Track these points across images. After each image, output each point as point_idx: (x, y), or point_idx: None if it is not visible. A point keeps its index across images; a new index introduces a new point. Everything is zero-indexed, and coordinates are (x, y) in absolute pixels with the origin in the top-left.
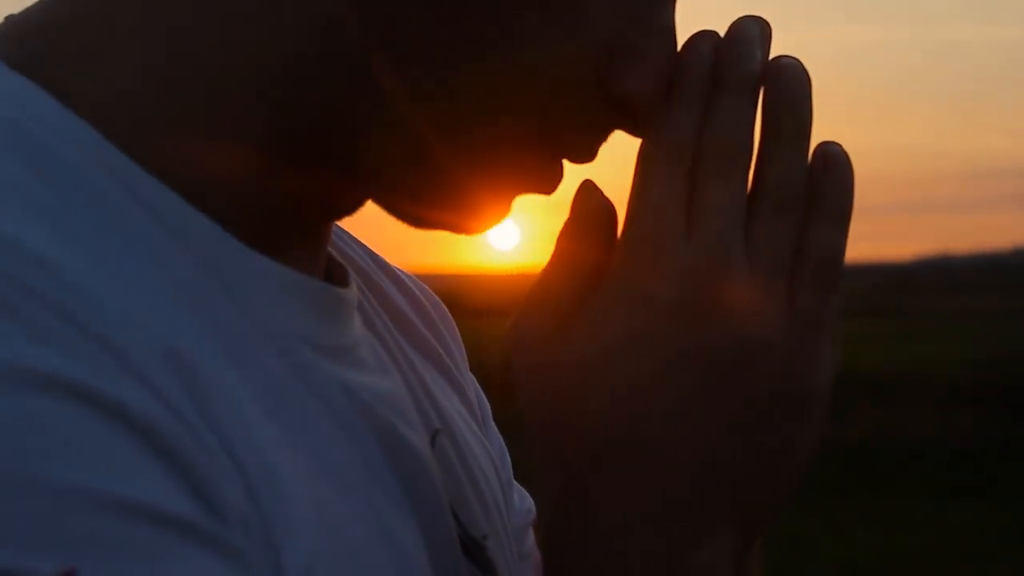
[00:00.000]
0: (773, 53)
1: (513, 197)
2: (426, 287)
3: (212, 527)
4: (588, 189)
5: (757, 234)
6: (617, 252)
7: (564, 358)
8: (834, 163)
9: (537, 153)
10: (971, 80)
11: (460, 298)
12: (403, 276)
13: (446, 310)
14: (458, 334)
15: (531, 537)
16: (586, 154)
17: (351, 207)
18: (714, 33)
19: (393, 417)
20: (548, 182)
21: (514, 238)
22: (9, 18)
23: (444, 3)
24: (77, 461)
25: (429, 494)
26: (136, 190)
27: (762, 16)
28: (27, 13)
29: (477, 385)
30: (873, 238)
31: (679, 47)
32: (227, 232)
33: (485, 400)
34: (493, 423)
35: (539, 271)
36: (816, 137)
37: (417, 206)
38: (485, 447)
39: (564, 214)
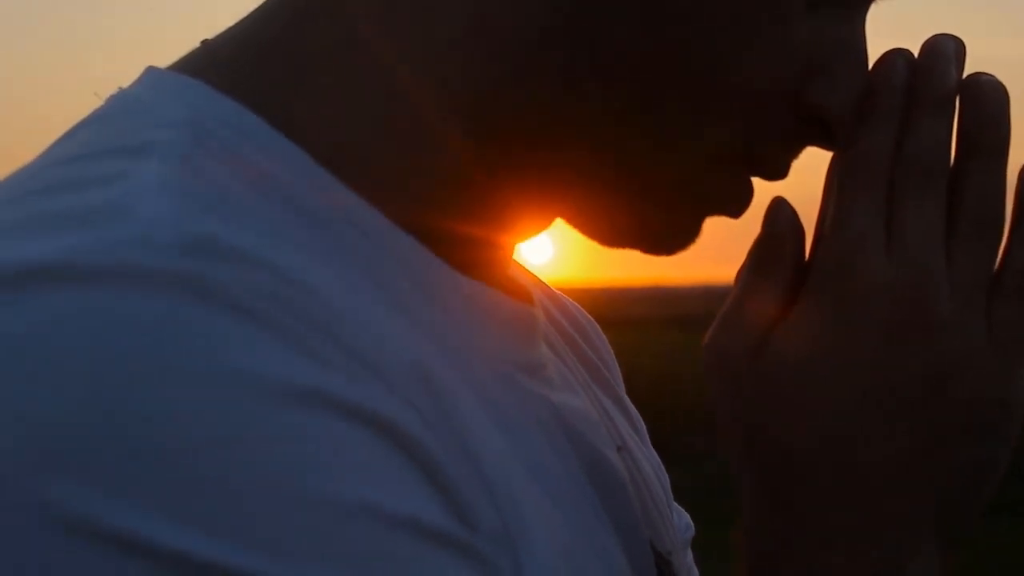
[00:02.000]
0: None
1: (704, 217)
2: (582, 309)
3: (472, 541)
4: (780, 205)
5: (957, 252)
6: (815, 270)
7: (764, 378)
8: None
9: (732, 170)
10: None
11: None
12: (563, 298)
13: (599, 328)
14: (614, 357)
15: (690, 554)
16: (778, 171)
17: (542, 227)
18: (907, 51)
19: (592, 435)
20: (740, 201)
21: (547, 252)
22: (205, 43)
23: (650, 18)
24: (347, 475)
25: (626, 512)
26: (352, 215)
27: (956, 35)
28: (226, 37)
29: (631, 404)
30: None
31: (871, 65)
32: (435, 256)
33: (641, 420)
34: (649, 441)
35: (733, 287)
36: None
37: (613, 227)
38: (651, 463)
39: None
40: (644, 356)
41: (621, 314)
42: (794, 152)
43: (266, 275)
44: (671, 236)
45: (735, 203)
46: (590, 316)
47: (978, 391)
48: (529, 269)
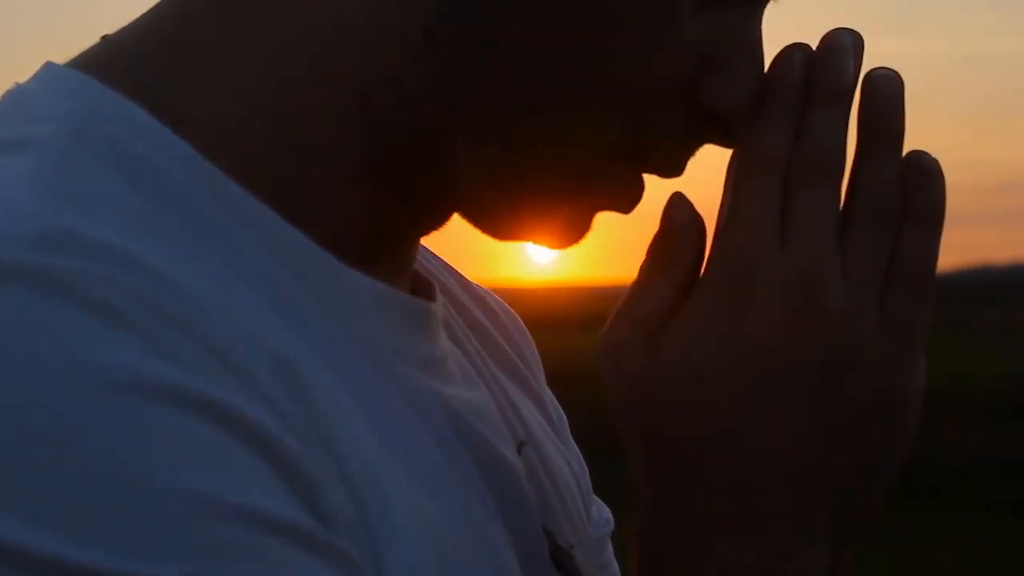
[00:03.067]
0: None
1: (595, 213)
2: (502, 302)
3: (323, 534)
4: (678, 201)
5: (852, 243)
6: (710, 264)
7: (659, 371)
8: (927, 171)
9: (624, 168)
10: (1006, 91)
11: None
12: (482, 291)
13: (523, 324)
14: (535, 348)
15: (609, 548)
16: (674, 168)
17: (439, 223)
18: (806, 45)
19: (484, 429)
20: (630, 198)
21: (550, 252)
22: (106, 38)
23: (537, 16)
24: (194, 469)
25: (520, 505)
26: (233, 206)
27: (854, 29)
28: (124, 32)
29: (554, 398)
30: None
31: (768, 60)
32: (321, 247)
33: (562, 412)
34: (570, 434)
35: (630, 283)
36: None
37: (505, 223)
38: (566, 459)
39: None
40: None
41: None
42: (690, 150)
43: (121, 268)
44: (560, 231)
45: (626, 200)
46: (515, 313)
47: (872, 383)
48: (448, 264)
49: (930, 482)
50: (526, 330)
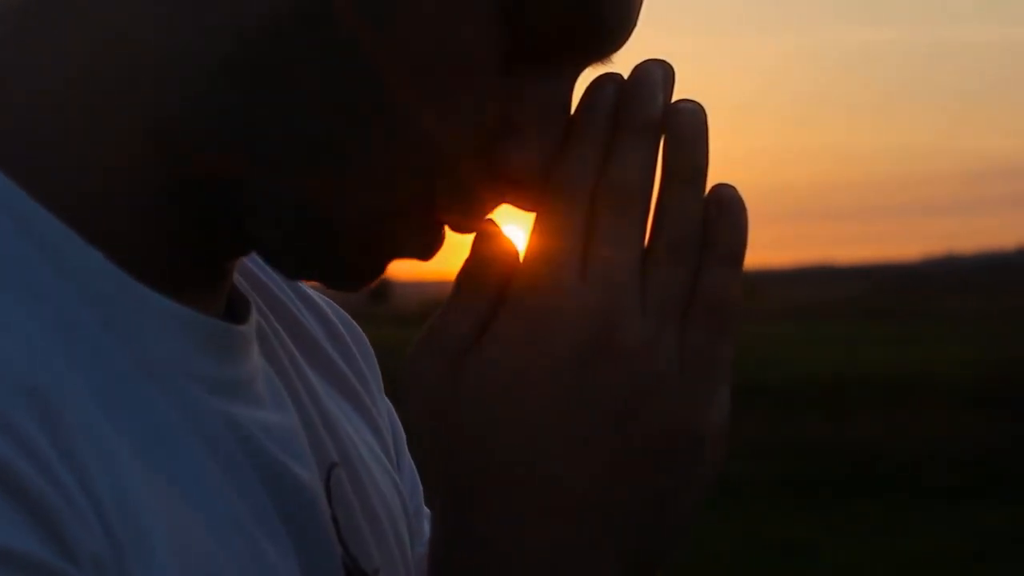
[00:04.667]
0: (789, 49)
1: (389, 260)
2: (342, 311)
3: (59, 566)
4: (489, 230)
5: (652, 277)
6: (512, 292)
7: (455, 398)
8: (728, 205)
9: (417, 223)
10: (974, 80)
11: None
12: (320, 300)
13: (362, 335)
14: (374, 359)
15: None
16: (469, 226)
17: (245, 250)
18: (618, 75)
19: (280, 452)
20: (426, 249)
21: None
22: None
23: (335, 65)
24: None
25: (314, 528)
26: (27, 223)
27: (666, 60)
28: None
29: (393, 412)
30: (877, 239)
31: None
32: (120, 269)
33: (400, 428)
34: (407, 450)
35: (435, 312)
36: (832, 131)
37: (295, 264)
38: (392, 477)
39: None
40: None
41: None
42: (484, 208)
43: None
44: (353, 276)
45: (420, 250)
46: (355, 323)
47: (665, 420)
48: (276, 278)
49: (892, 469)
50: (366, 341)
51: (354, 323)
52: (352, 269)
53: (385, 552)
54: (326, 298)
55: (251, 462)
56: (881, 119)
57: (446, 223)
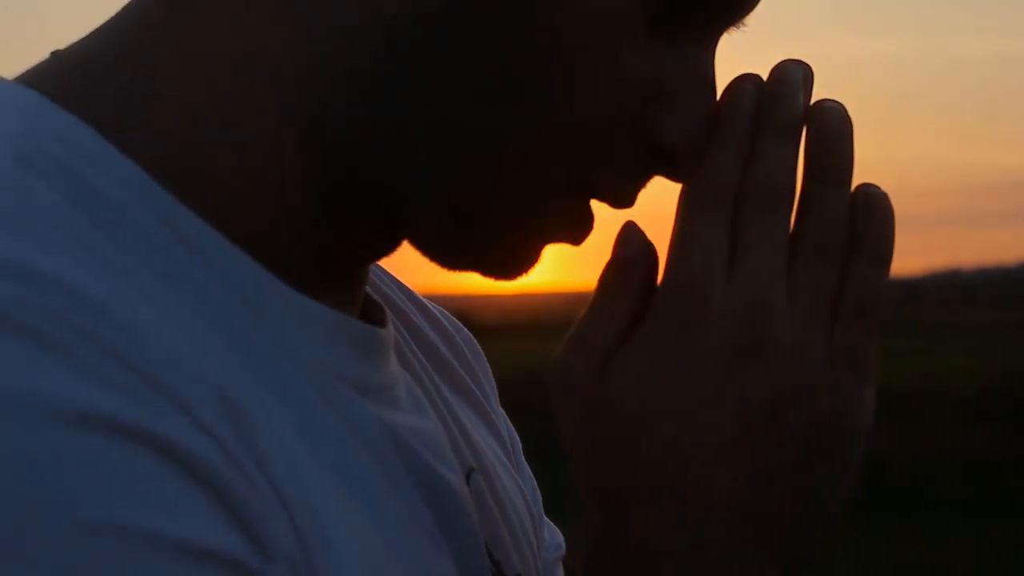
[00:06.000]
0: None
1: (544, 245)
2: (457, 322)
3: (258, 565)
4: (630, 231)
5: (799, 275)
6: (659, 295)
7: (606, 398)
8: (876, 205)
9: (571, 201)
10: (979, 93)
11: (466, 319)
12: (436, 311)
13: (477, 345)
14: (488, 368)
15: (560, 573)
16: (624, 200)
17: (390, 249)
18: (756, 76)
19: (430, 456)
20: (579, 230)
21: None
22: (55, 54)
23: (484, 48)
24: (123, 499)
25: (465, 534)
26: (179, 228)
27: (804, 61)
28: (71, 50)
29: (507, 419)
30: None
31: (720, 91)
32: (269, 272)
33: (515, 434)
34: (523, 457)
35: (581, 312)
36: None
37: (451, 253)
38: (517, 483)
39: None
40: None
41: None
42: (639, 182)
43: (55, 295)
44: (509, 263)
45: (576, 231)
46: (469, 334)
47: (816, 418)
48: (402, 284)
49: (898, 482)
50: (480, 351)
51: (470, 335)
52: (507, 256)
53: (521, 557)
54: (439, 308)
55: (406, 467)
56: (885, 131)
57: (600, 199)
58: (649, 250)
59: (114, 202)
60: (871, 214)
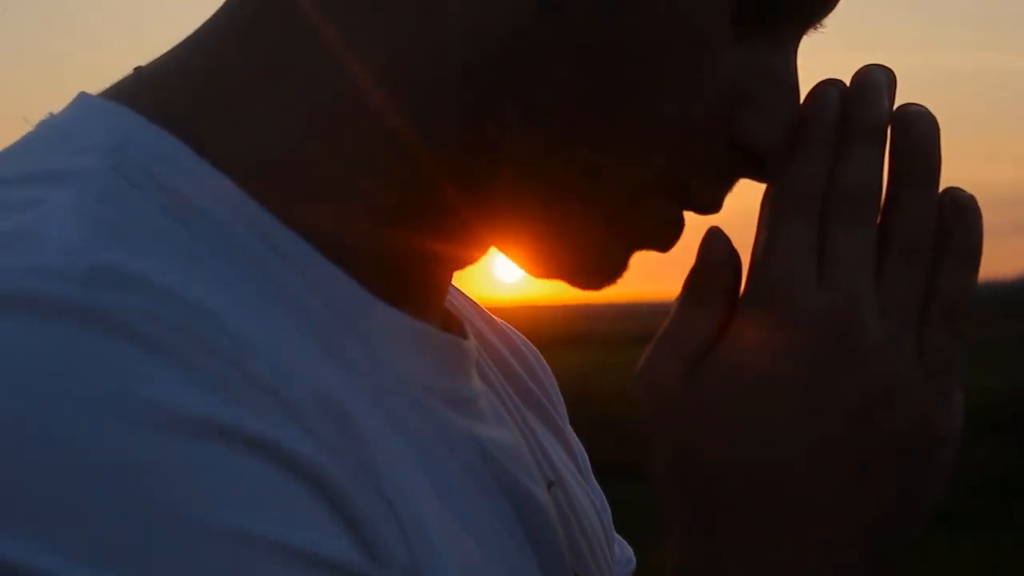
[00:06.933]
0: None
1: (632, 252)
2: (523, 336)
3: (373, 572)
4: (714, 236)
5: (888, 279)
6: (747, 298)
7: (697, 401)
8: (965, 208)
9: (661, 204)
10: (978, 109)
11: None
12: (504, 327)
13: (544, 361)
14: (556, 383)
15: None
16: (712, 204)
17: (475, 257)
18: (840, 81)
19: (516, 469)
20: (669, 235)
21: (519, 271)
22: (138, 69)
23: (574, 53)
24: (246, 507)
25: (551, 546)
26: (273, 241)
27: (887, 66)
28: (157, 64)
29: (575, 435)
30: None
31: (803, 96)
32: (357, 284)
33: (584, 451)
34: (592, 474)
35: (666, 318)
36: None
37: (543, 258)
38: (590, 498)
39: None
40: (615, 373)
41: (595, 331)
42: (726, 184)
43: (169, 304)
44: (600, 270)
45: (665, 237)
46: (536, 350)
47: (907, 419)
48: (471, 298)
49: None
50: (547, 366)
51: (537, 351)
52: (600, 262)
53: (599, 570)
54: (505, 322)
55: (496, 481)
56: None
57: (688, 207)
58: (734, 255)
59: (210, 216)
60: (960, 216)
